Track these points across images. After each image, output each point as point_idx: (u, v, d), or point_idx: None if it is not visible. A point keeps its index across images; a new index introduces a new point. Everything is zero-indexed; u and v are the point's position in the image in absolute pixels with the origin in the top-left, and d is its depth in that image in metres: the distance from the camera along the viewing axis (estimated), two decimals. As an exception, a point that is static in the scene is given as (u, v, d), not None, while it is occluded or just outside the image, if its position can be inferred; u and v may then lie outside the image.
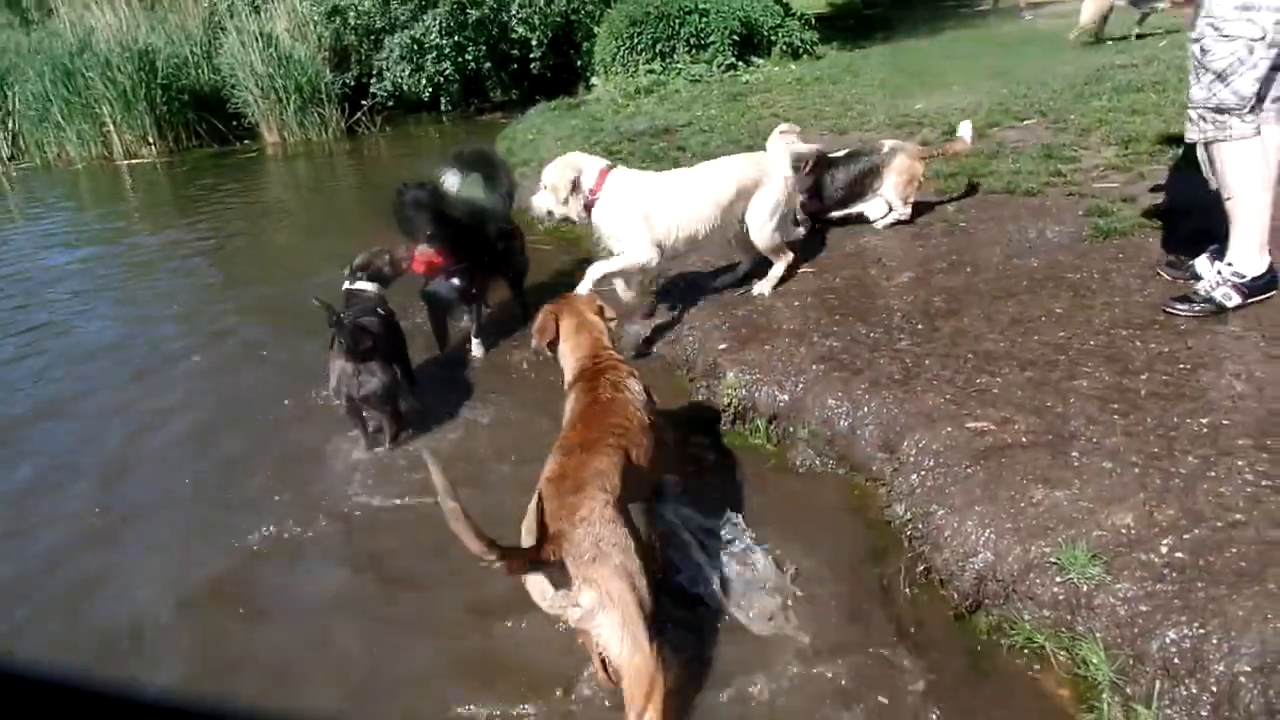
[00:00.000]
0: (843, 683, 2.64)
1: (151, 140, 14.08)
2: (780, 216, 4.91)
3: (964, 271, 4.96)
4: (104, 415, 4.92)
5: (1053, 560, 2.64)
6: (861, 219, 5.91)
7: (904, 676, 2.65)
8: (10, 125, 14.19)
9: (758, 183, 4.80)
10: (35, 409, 5.11)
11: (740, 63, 13.74)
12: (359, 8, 14.77)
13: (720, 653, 2.79)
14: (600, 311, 3.33)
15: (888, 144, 5.81)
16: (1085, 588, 2.55)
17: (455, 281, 4.90)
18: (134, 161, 13.82)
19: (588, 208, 4.61)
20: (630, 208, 4.54)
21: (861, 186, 5.75)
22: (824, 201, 5.83)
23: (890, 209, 5.80)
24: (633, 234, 4.54)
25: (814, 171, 5.69)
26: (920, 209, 5.90)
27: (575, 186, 4.54)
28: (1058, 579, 2.62)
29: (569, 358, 3.17)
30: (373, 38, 15.25)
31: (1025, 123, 8.04)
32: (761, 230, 4.85)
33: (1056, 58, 11.37)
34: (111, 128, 13.90)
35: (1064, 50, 11.98)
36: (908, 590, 2.98)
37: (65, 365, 5.73)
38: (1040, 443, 3.15)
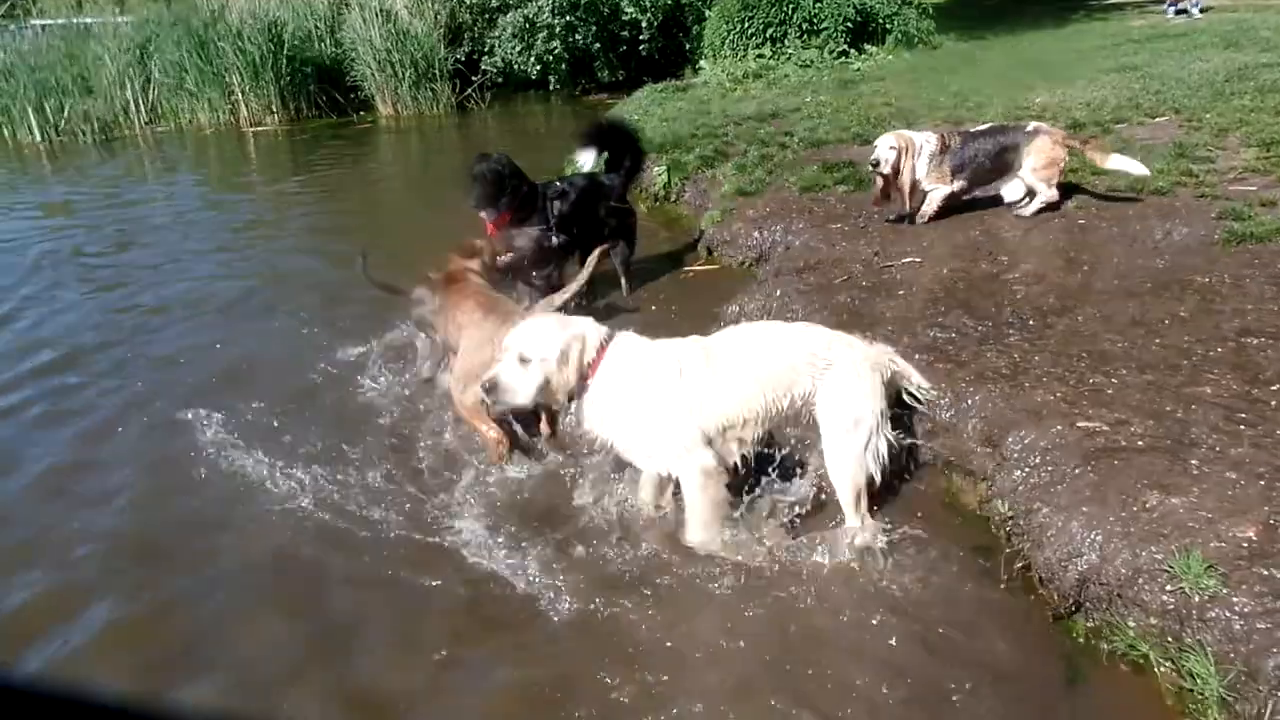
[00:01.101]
0: (937, 676, 2.60)
1: (275, 109, 14.72)
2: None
3: (1081, 269, 4.76)
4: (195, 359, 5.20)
5: (1165, 568, 2.53)
6: (992, 203, 5.77)
7: (998, 674, 2.59)
8: (150, 92, 15.04)
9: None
10: (152, 347, 5.44)
11: (852, 50, 13.48)
12: (475, -14, 15.08)
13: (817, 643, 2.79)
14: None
15: (1031, 124, 5.62)
16: (1198, 598, 2.43)
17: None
18: (258, 129, 14.49)
19: None
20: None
21: (1002, 163, 5.56)
22: (961, 177, 5.59)
23: (1032, 194, 5.61)
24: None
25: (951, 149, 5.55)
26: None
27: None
28: (1168, 587, 2.51)
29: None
30: (486, 15, 15.56)
31: (1156, 120, 7.64)
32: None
33: (1196, 54, 10.74)
34: (240, 96, 14.62)
35: (1206, 46, 11.28)
36: (1004, 587, 2.91)
37: (182, 310, 6.12)
38: (1157, 448, 3.01)
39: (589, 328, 3.07)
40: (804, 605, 2.90)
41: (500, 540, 3.29)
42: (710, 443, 3.05)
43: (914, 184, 5.54)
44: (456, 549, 3.27)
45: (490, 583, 3.10)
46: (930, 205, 5.67)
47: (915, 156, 5.48)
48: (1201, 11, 15.33)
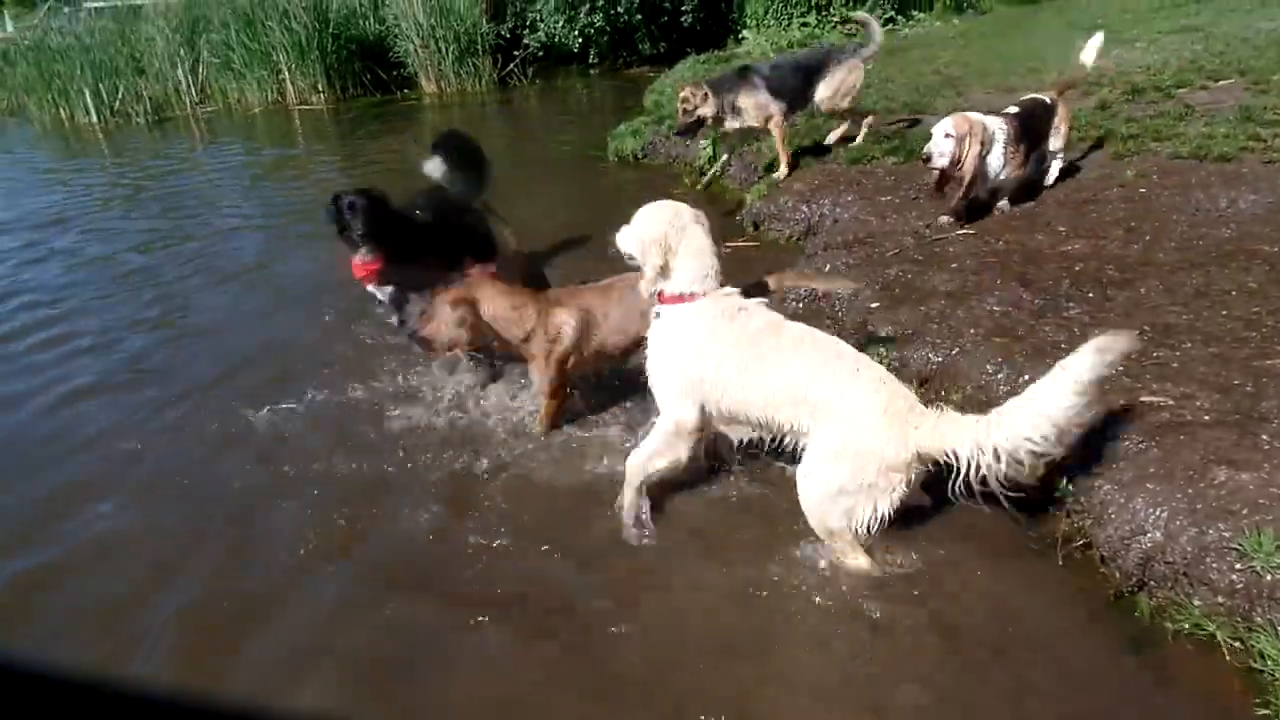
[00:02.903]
0: (993, 657, 2.57)
1: (321, 88, 14.86)
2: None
3: (1142, 240, 4.63)
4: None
5: (1234, 545, 2.47)
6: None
7: (1058, 654, 2.56)
8: (199, 72, 15.28)
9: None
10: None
11: (900, 16, 13.20)
12: (517, -41, 15.00)
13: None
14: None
15: (1044, 96, 5.39)
16: (1270, 577, 2.38)
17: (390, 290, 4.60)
18: (305, 107, 14.65)
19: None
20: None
21: (1040, 138, 5.34)
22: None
23: (1048, 166, 5.52)
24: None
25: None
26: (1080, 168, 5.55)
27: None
28: (1238, 565, 2.45)
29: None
30: (528, -10, 15.50)
31: (1220, 83, 7.35)
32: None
33: (1262, 12, 10.29)
34: (286, 75, 14.77)
35: (1272, 4, 10.80)
36: (1062, 564, 2.86)
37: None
38: (1225, 422, 2.93)
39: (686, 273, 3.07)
40: (856, 590, 2.90)
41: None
42: (703, 409, 3.09)
43: (975, 177, 4.94)
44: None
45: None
46: (1005, 193, 5.29)
47: (986, 144, 4.88)
48: None
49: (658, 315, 3.15)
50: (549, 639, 2.80)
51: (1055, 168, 5.51)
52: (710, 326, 3.01)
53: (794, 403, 2.87)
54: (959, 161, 4.88)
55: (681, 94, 6.37)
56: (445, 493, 3.56)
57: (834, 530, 2.86)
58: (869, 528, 2.79)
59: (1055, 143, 5.40)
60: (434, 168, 5.12)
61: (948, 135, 4.87)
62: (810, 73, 6.58)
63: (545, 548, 3.20)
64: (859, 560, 2.90)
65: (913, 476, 2.76)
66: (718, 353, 2.98)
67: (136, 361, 5.11)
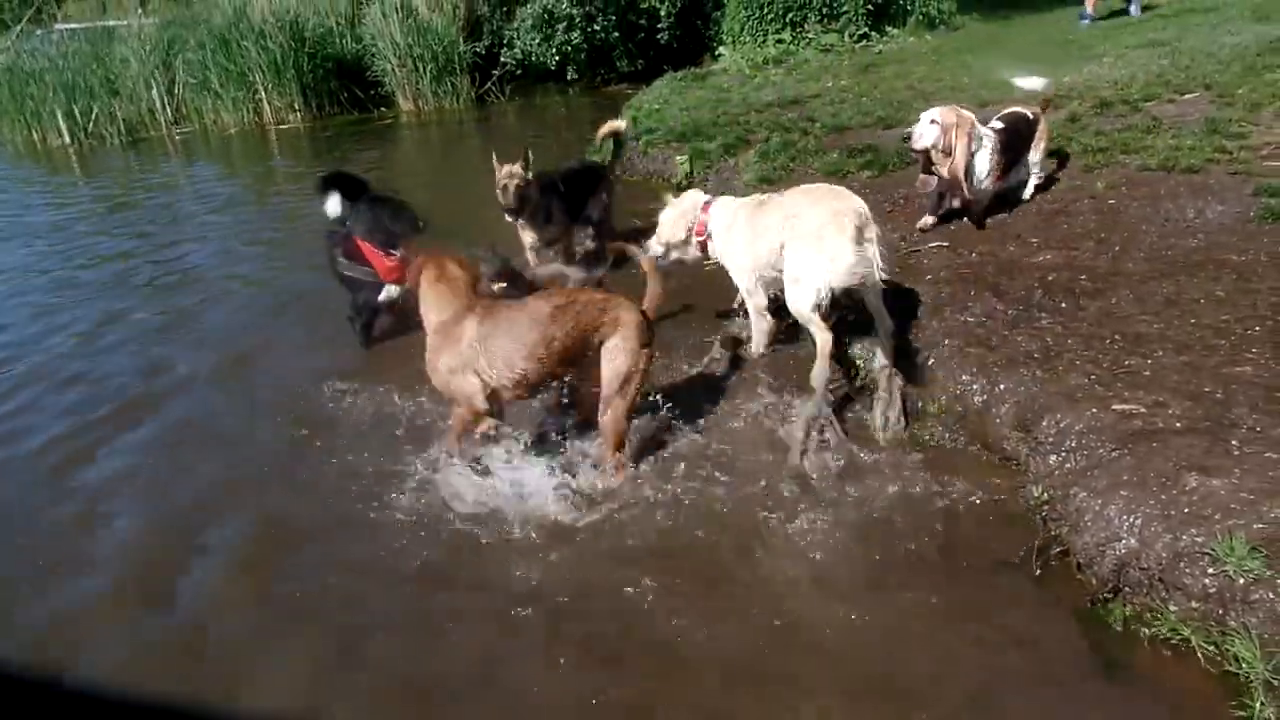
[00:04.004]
0: (969, 665, 2.58)
1: (298, 107, 14.78)
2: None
3: (1113, 250, 4.69)
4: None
5: (1207, 550, 2.50)
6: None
7: (1033, 659, 2.57)
8: (175, 93, 15.19)
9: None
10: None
11: (873, 33, 13.35)
12: (495, -23, 15.04)
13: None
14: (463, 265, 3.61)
15: (1026, 111, 5.48)
16: (1242, 581, 2.41)
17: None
18: (282, 127, 14.59)
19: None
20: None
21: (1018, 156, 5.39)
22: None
23: (1026, 179, 5.56)
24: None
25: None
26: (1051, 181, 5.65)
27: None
28: (1210, 570, 2.48)
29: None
30: (505, 8, 15.53)
31: (1186, 96, 7.49)
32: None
33: (1225, 27, 10.52)
34: (263, 95, 14.69)
35: (1236, 20, 11.03)
36: (1040, 572, 2.88)
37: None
38: (1196, 429, 2.97)
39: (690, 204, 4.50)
40: (832, 599, 2.91)
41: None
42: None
43: (968, 172, 4.95)
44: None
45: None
46: (981, 206, 5.32)
47: (975, 142, 4.93)
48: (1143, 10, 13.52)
49: (710, 237, 4.38)
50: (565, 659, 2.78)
51: (1033, 182, 5.56)
52: (731, 217, 4.27)
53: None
54: (948, 153, 4.88)
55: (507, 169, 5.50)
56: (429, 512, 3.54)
57: (796, 313, 3.89)
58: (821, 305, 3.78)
59: (1035, 156, 5.46)
60: (332, 207, 5.07)
61: (933, 121, 4.90)
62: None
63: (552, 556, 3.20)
64: (820, 334, 3.78)
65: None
66: (743, 229, 4.15)
67: (85, 375, 5.14)
